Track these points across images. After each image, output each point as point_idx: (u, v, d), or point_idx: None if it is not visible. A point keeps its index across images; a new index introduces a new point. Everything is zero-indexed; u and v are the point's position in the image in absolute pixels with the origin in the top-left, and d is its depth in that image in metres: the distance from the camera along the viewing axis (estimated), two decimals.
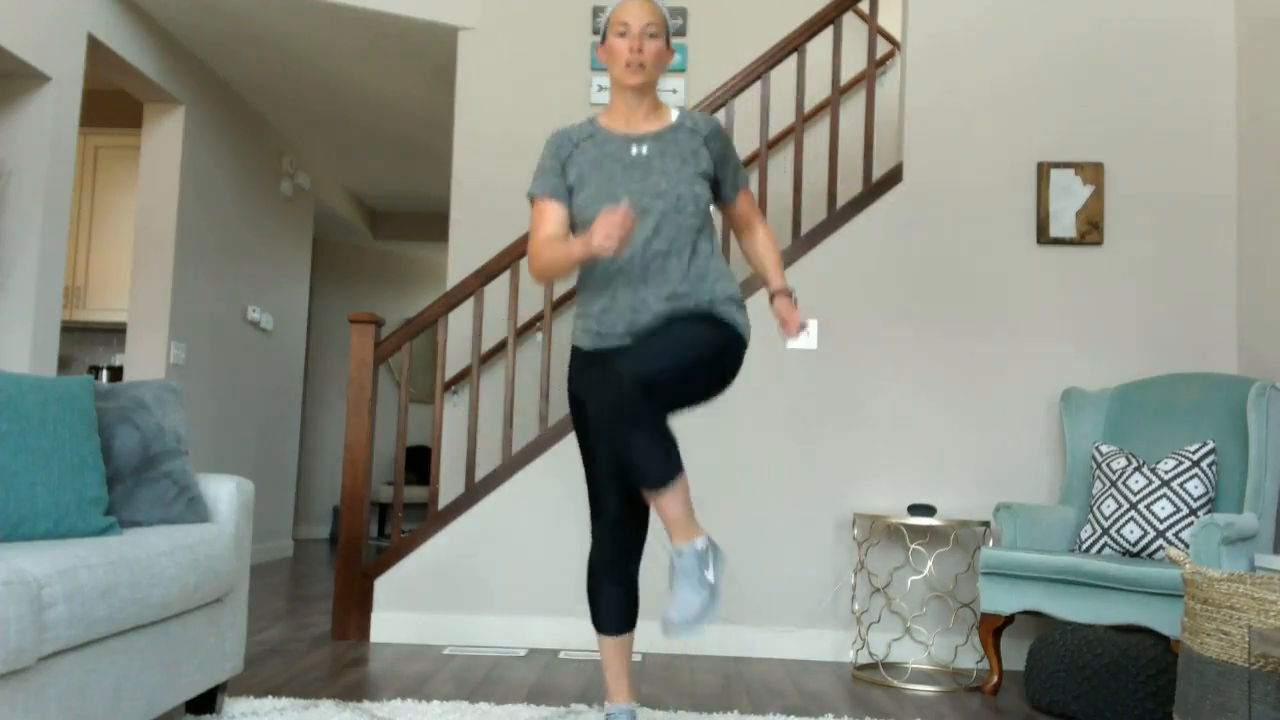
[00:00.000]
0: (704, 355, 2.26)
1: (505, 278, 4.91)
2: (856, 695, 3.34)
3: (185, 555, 2.34)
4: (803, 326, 2.41)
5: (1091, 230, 4.06)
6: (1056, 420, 4.01)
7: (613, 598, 2.45)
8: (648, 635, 3.95)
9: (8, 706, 1.71)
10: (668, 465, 2.14)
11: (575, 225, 2.43)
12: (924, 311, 4.08)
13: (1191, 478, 3.37)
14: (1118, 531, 3.41)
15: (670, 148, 2.41)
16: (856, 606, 3.95)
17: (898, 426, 4.04)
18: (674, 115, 2.48)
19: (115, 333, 6.38)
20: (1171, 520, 3.33)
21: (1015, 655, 3.87)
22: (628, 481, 2.37)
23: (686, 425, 4.01)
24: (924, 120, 4.15)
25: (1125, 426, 3.76)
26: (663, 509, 2.15)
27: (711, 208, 2.49)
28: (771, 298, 2.47)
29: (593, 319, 2.40)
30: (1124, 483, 3.47)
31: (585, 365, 2.43)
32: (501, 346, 5.14)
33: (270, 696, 2.95)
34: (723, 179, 2.49)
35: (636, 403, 2.11)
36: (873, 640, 3.95)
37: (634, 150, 2.40)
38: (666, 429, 2.17)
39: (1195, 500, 3.34)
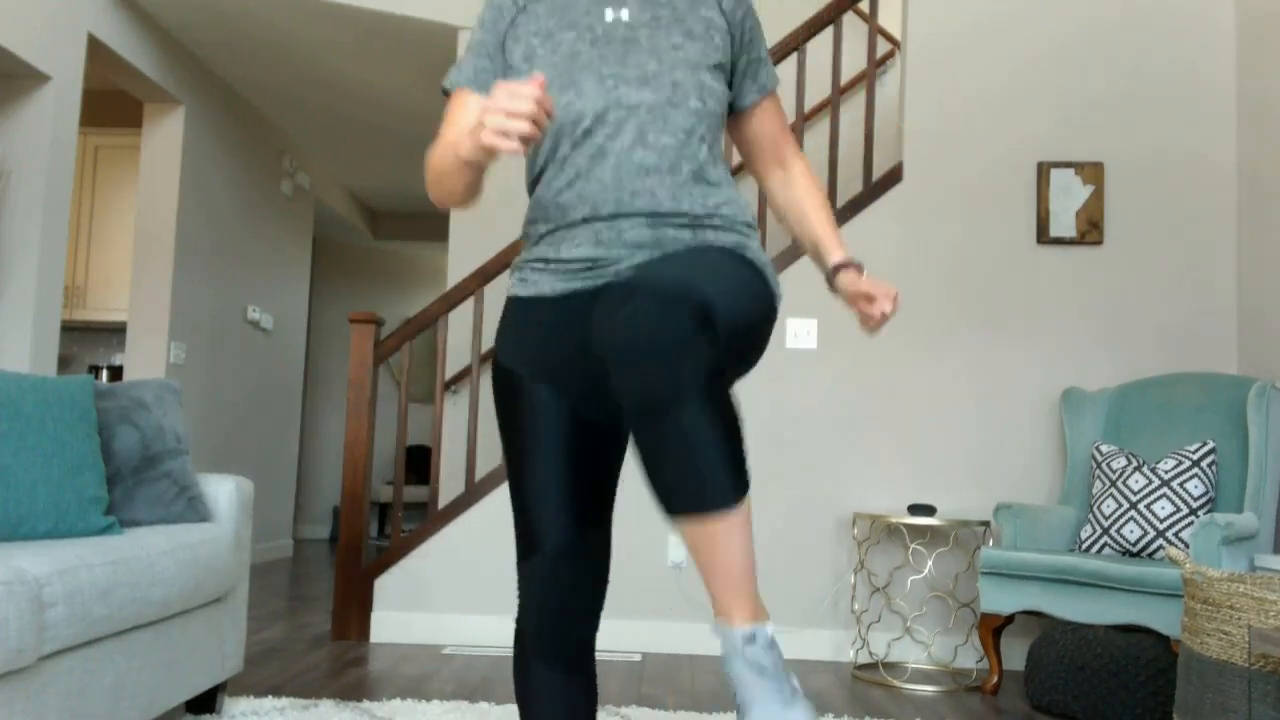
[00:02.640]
0: (755, 303, 1.41)
1: (505, 278, 4.91)
2: (856, 695, 3.34)
3: (185, 555, 2.34)
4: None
5: (1091, 230, 4.06)
6: (1056, 420, 4.01)
7: (553, 692, 1.50)
8: (648, 635, 3.95)
9: (8, 706, 1.71)
10: (739, 466, 1.26)
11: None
12: (924, 311, 4.08)
13: (1191, 477, 3.37)
14: (1118, 531, 3.41)
15: (665, 12, 1.56)
16: (856, 606, 3.95)
17: (898, 426, 4.03)
18: None
19: (115, 332, 6.38)
20: (1171, 520, 3.33)
21: (1015, 655, 3.87)
22: (662, 498, 1.28)
23: None
24: (924, 120, 4.15)
25: (1125, 426, 3.76)
26: (718, 552, 1.26)
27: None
28: (835, 271, 1.59)
29: (538, 251, 1.55)
30: (1124, 482, 3.47)
31: (527, 318, 1.55)
32: None
33: (270, 696, 2.95)
34: (741, 71, 1.62)
35: (699, 345, 1.24)
36: (873, 640, 3.95)
37: (609, 14, 1.55)
38: (731, 401, 1.30)
39: (1195, 500, 3.34)
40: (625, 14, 1.54)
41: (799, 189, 1.66)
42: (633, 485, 3.99)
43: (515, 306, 1.58)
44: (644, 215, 1.48)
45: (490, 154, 1.33)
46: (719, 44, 1.57)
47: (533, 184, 1.60)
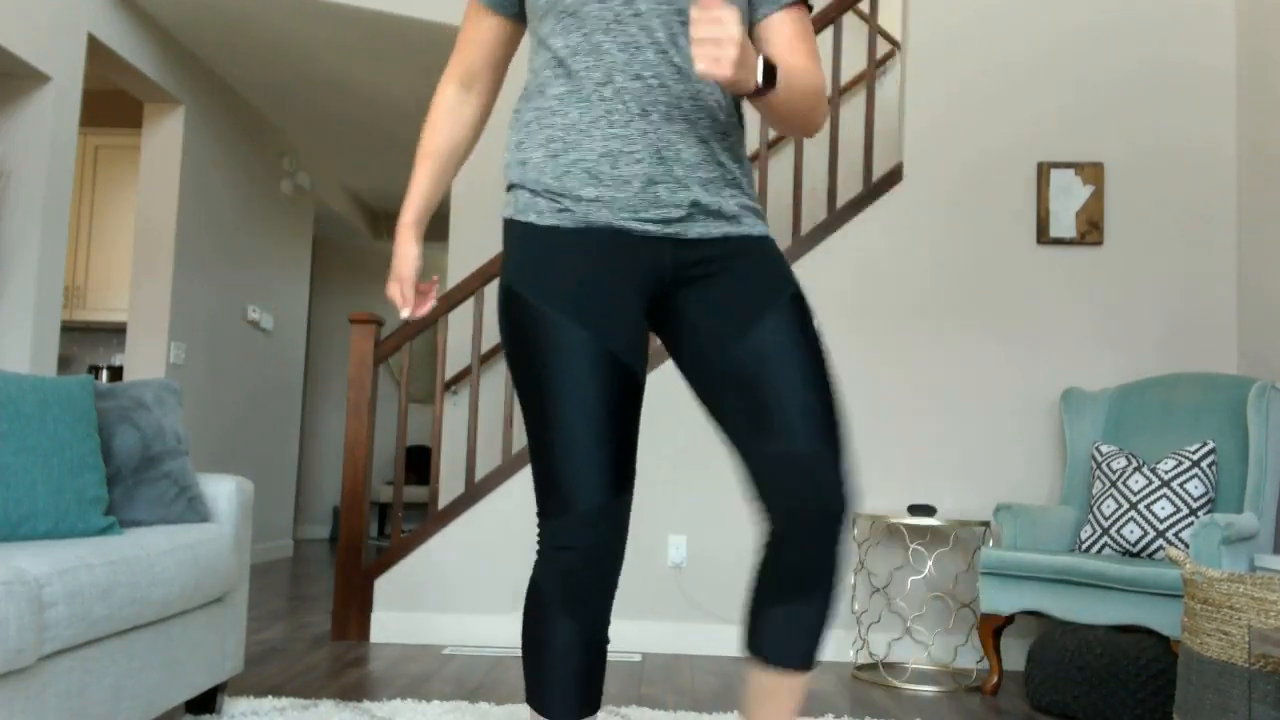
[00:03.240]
0: (820, 338, 1.49)
1: None
2: (856, 695, 3.34)
3: (185, 555, 2.34)
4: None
5: (1091, 230, 4.06)
6: (1056, 420, 4.01)
7: (574, 652, 1.43)
8: (647, 635, 3.95)
9: (8, 706, 1.71)
10: (829, 622, 1.47)
11: (537, 8, 1.50)
12: (924, 311, 4.08)
13: (1191, 478, 3.37)
14: (1118, 531, 3.41)
15: None
16: (856, 606, 3.95)
17: (898, 426, 4.03)
18: None
19: (115, 333, 6.39)
20: (1171, 520, 3.33)
21: (1015, 655, 3.87)
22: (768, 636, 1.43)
23: (685, 423, 4.01)
24: (924, 120, 4.15)
25: (1125, 426, 3.76)
26: (789, 699, 1.44)
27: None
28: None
29: (579, 164, 1.45)
30: (1124, 483, 3.47)
31: (563, 252, 1.45)
32: (501, 346, 5.14)
33: (270, 696, 2.95)
34: None
35: (834, 477, 1.39)
36: (873, 640, 3.95)
37: None
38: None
39: (1195, 500, 3.34)
40: None
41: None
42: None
43: (542, 234, 1.47)
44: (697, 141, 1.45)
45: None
46: None
47: (536, 76, 1.51)
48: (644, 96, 1.43)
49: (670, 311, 1.52)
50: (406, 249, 1.63)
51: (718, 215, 1.49)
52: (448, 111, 1.64)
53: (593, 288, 1.43)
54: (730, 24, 1.23)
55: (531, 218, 1.47)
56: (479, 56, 1.62)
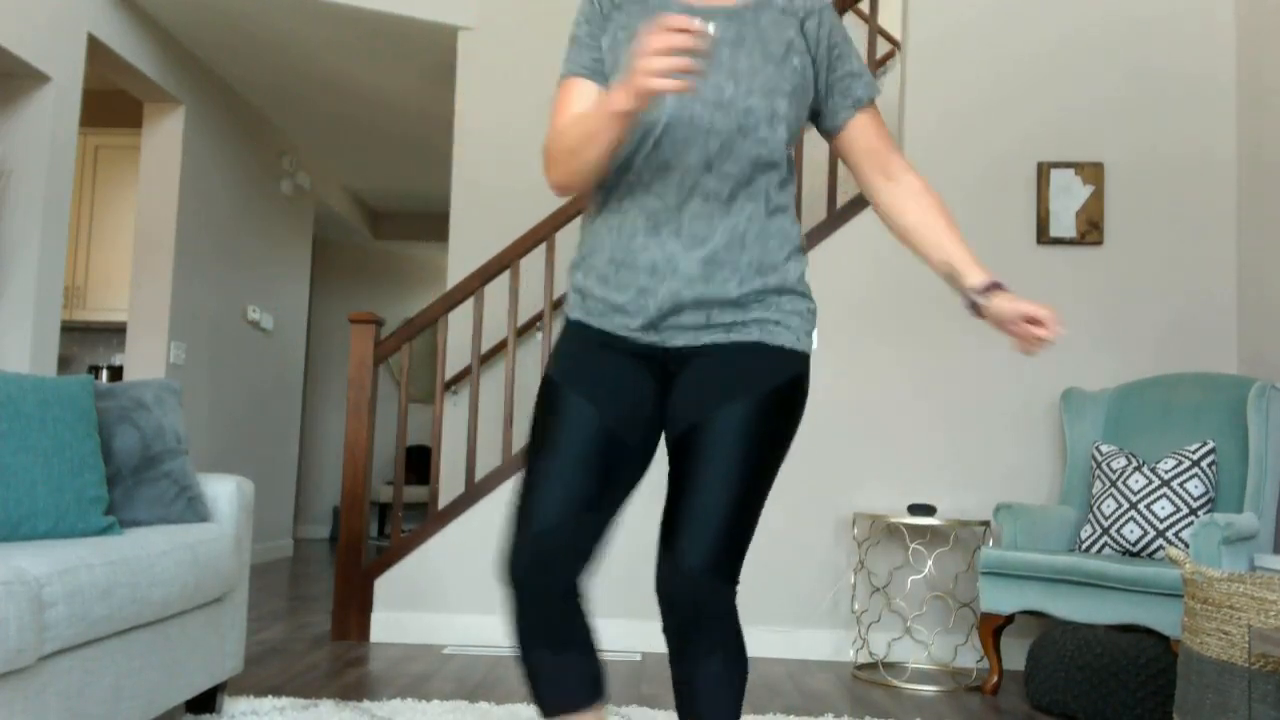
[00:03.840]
0: (776, 448, 1.58)
1: (505, 278, 4.91)
2: (856, 695, 3.34)
3: (185, 555, 2.34)
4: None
5: (1091, 230, 4.06)
6: (1056, 420, 4.01)
7: (545, 663, 1.55)
8: (648, 635, 3.95)
9: (8, 706, 1.71)
10: (740, 700, 1.59)
11: None
12: (924, 311, 4.08)
13: (1191, 477, 3.37)
14: (1118, 531, 3.41)
15: (750, 32, 1.57)
16: (856, 606, 3.95)
17: (898, 427, 4.03)
18: None
19: (115, 333, 6.38)
20: (1171, 520, 3.33)
21: (1015, 655, 3.87)
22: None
23: None
24: (924, 120, 4.15)
25: (1125, 426, 3.76)
26: None
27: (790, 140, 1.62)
28: (985, 292, 1.57)
29: (594, 275, 1.61)
30: (1124, 482, 3.47)
31: (584, 347, 1.62)
32: (501, 346, 5.14)
33: (270, 696, 2.95)
34: (830, 88, 1.63)
35: (711, 595, 1.51)
36: (873, 640, 3.95)
37: (695, 24, 1.48)
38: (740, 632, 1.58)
39: (1195, 500, 3.34)
40: (711, 29, 1.49)
41: (920, 208, 1.64)
42: None
43: (569, 327, 1.65)
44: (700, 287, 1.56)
45: (644, 102, 1.36)
46: (796, 63, 1.58)
47: (596, 191, 1.63)
48: (659, 215, 1.56)
49: (672, 387, 1.63)
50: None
51: (701, 329, 1.59)
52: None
53: (604, 370, 1.59)
54: (1044, 312, 1.49)
55: (575, 314, 1.65)
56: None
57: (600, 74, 1.61)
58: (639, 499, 3.99)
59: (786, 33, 1.59)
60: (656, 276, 1.55)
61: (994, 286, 1.56)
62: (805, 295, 1.62)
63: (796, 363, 1.59)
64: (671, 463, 1.59)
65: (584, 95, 1.60)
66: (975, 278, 1.58)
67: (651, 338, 1.58)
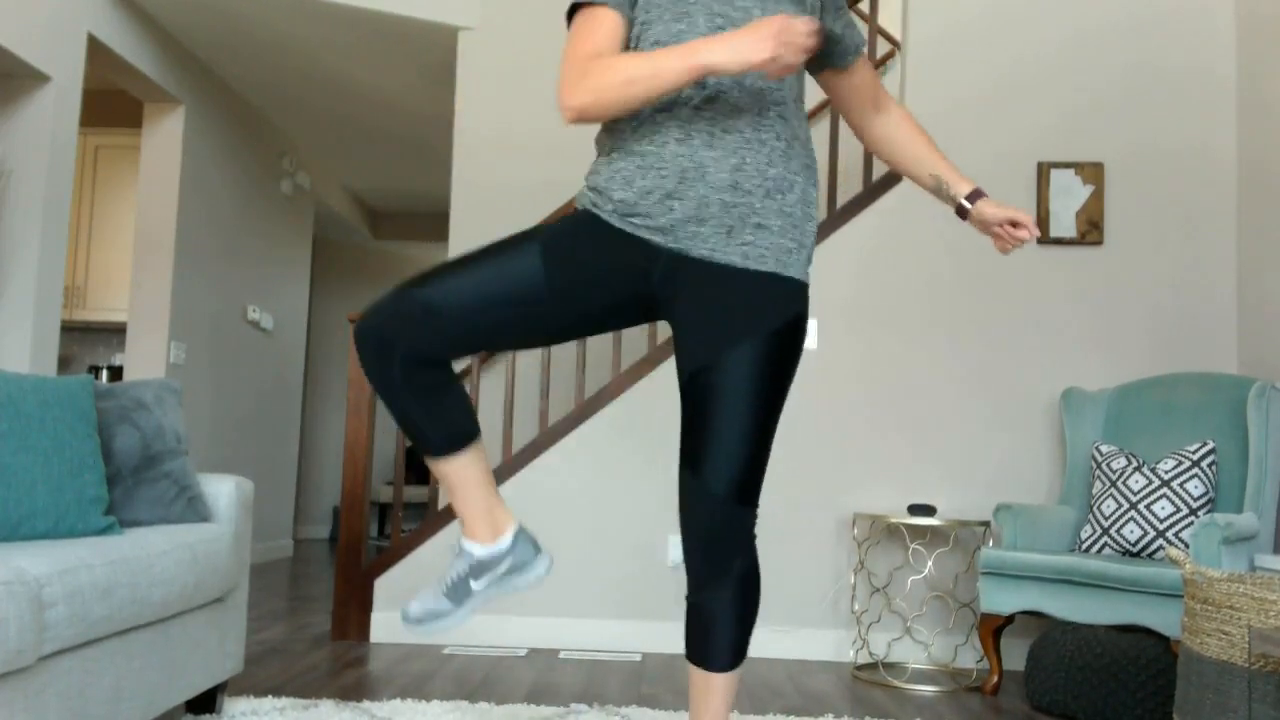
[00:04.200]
0: (783, 383, 1.71)
1: None
2: (856, 695, 3.34)
3: (185, 555, 2.35)
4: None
5: (1091, 230, 4.06)
6: (1056, 420, 4.01)
7: (421, 401, 1.65)
8: (648, 635, 3.95)
9: (8, 706, 1.71)
10: (748, 631, 1.79)
11: (628, 49, 1.69)
12: (924, 311, 4.08)
13: (1191, 478, 3.37)
14: (1118, 531, 3.41)
15: None
16: (856, 606, 3.95)
17: (898, 426, 4.03)
18: None
19: (115, 333, 6.39)
20: (1171, 520, 3.33)
21: (1015, 655, 3.87)
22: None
23: None
24: (924, 120, 4.15)
25: (1125, 426, 3.76)
26: (719, 696, 1.74)
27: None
28: (972, 198, 1.81)
29: (619, 178, 1.67)
30: (1124, 483, 3.47)
31: (584, 231, 1.70)
32: None
33: (270, 696, 2.95)
34: (837, 35, 1.78)
35: (734, 521, 1.69)
36: (873, 640, 3.95)
37: None
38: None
39: (1195, 500, 3.34)
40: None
41: (906, 131, 1.86)
42: (634, 488, 3.99)
43: (573, 215, 1.73)
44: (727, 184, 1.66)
45: (743, 71, 1.51)
46: (811, 5, 1.73)
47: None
48: (696, 129, 1.66)
49: (671, 312, 1.74)
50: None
51: (733, 239, 1.68)
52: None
53: (585, 252, 1.68)
54: (1021, 215, 1.75)
55: (582, 204, 1.74)
56: (610, 46, 1.67)
57: (625, 7, 1.66)
58: (636, 501, 3.99)
59: None
60: (685, 182, 1.62)
61: (978, 194, 1.81)
62: (813, 218, 1.75)
63: (800, 298, 1.70)
64: (686, 398, 1.70)
65: (611, 27, 1.65)
66: (961, 187, 1.82)
67: (670, 243, 1.66)
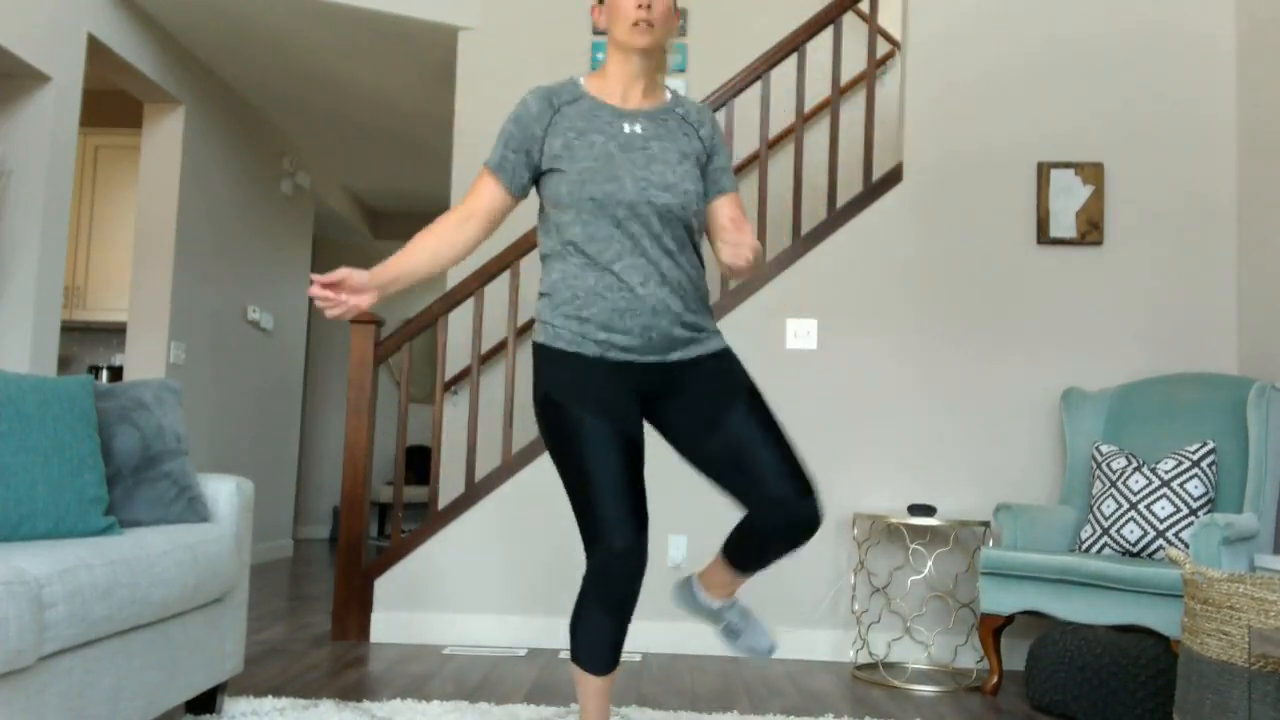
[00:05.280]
0: (768, 404, 2.20)
1: (505, 278, 4.91)
2: (856, 695, 3.34)
3: (185, 555, 2.34)
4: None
5: (1091, 230, 4.06)
6: (1056, 420, 4.01)
7: (609, 637, 2.04)
8: (648, 635, 3.95)
9: (8, 706, 1.71)
10: None
11: (562, 201, 2.04)
12: (924, 311, 4.08)
13: (1191, 478, 3.37)
14: (1118, 531, 3.41)
15: (665, 133, 2.10)
16: (856, 606, 3.95)
17: (898, 427, 4.03)
18: (667, 95, 2.18)
19: (115, 333, 6.38)
20: (1171, 520, 3.33)
21: (1015, 655, 3.87)
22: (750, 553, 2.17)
23: None
24: (924, 120, 4.15)
25: (1125, 426, 3.76)
26: (745, 581, 2.25)
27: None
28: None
29: (593, 323, 2.05)
30: (1124, 483, 3.47)
31: (583, 370, 2.06)
32: (501, 346, 5.14)
33: (270, 696, 2.95)
34: (711, 177, 2.18)
35: (817, 512, 2.12)
36: (873, 640, 3.95)
37: (626, 128, 2.07)
38: None
39: (1195, 500, 3.34)
40: (638, 129, 2.08)
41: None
42: None
43: (568, 357, 2.08)
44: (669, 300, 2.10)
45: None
46: (698, 158, 2.13)
47: (558, 248, 2.09)
48: (644, 270, 2.05)
49: (658, 414, 2.15)
50: (359, 275, 2.16)
51: (689, 344, 2.11)
52: (445, 231, 2.13)
53: (604, 392, 2.05)
54: (749, 238, 2.01)
55: (560, 345, 2.07)
56: (482, 211, 2.13)
57: (507, 173, 2.09)
58: None
59: (690, 139, 2.13)
60: (658, 316, 2.05)
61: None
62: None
63: (729, 352, 2.19)
64: (714, 461, 2.10)
65: (490, 193, 2.12)
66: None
67: (656, 359, 2.09)
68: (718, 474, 2.10)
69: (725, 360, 2.16)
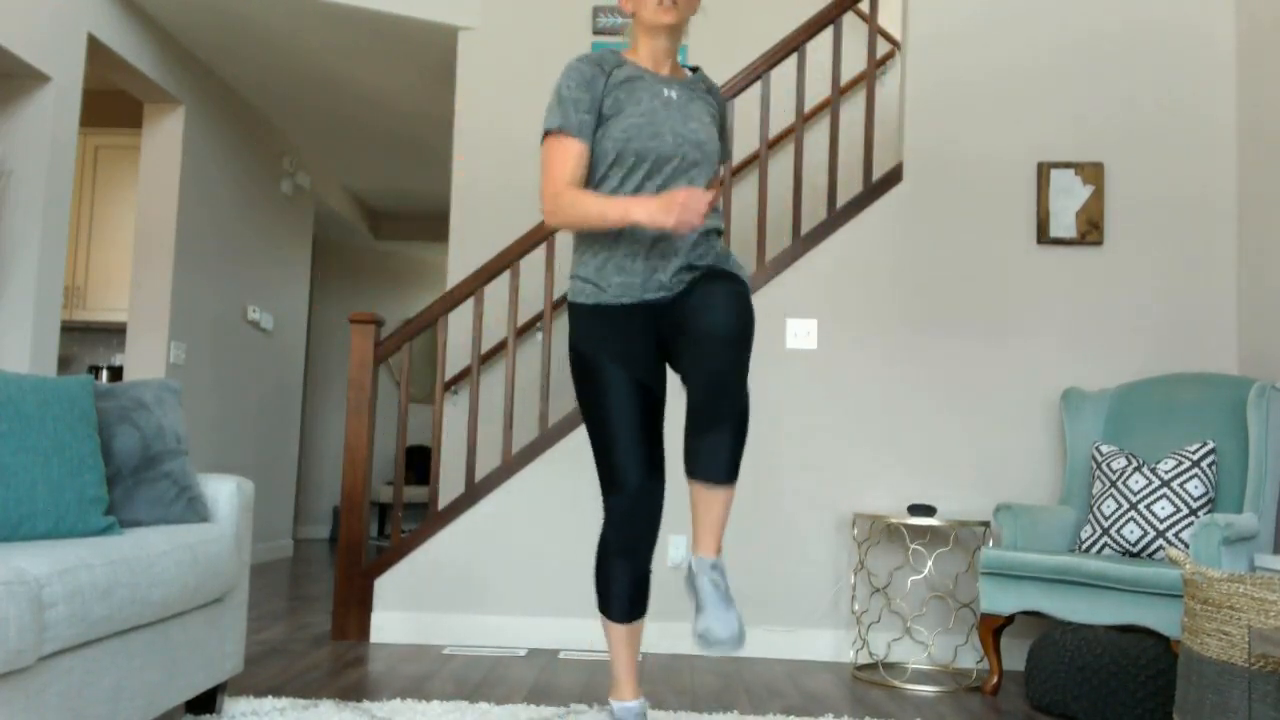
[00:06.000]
0: (750, 324, 2.25)
1: (505, 278, 4.91)
2: (856, 695, 3.34)
3: (185, 555, 2.35)
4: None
5: (1091, 230, 4.06)
6: (1056, 420, 4.01)
7: (627, 581, 2.28)
8: (648, 635, 3.95)
9: (8, 706, 1.71)
10: (740, 456, 2.21)
11: (606, 155, 2.28)
12: (924, 311, 4.08)
13: (1191, 478, 3.37)
14: (1118, 531, 3.41)
15: (695, 99, 2.38)
16: (856, 606, 3.95)
17: (898, 426, 4.03)
18: (688, 73, 2.45)
19: (115, 333, 6.39)
20: (1171, 520, 3.33)
21: (1015, 655, 3.87)
22: (699, 460, 2.18)
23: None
24: (924, 120, 4.15)
25: (1125, 426, 3.76)
26: (720, 505, 2.16)
27: None
28: None
29: (610, 265, 2.29)
30: (1124, 483, 3.47)
31: (604, 321, 2.30)
32: (501, 346, 5.14)
33: (270, 696, 2.95)
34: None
35: (738, 363, 2.13)
36: (873, 640, 3.95)
37: (665, 91, 2.32)
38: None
39: (1195, 500, 3.34)
40: (674, 94, 2.34)
41: None
42: None
43: (589, 310, 2.32)
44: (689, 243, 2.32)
45: (658, 226, 2.14)
46: (710, 120, 2.39)
47: (596, 187, 2.32)
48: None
49: (664, 335, 2.32)
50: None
51: (691, 269, 2.31)
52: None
53: (621, 339, 2.28)
54: (697, 202, 2.08)
55: (583, 300, 2.32)
56: (584, 174, 2.31)
57: (588, 132, 2.27)
58: None
59: (711, 105, 2.42)
60: (665, 258, 2.28)
61: None
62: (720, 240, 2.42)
63: (740, 276, 2.31)
64: (687, 330, 2.18)
65: (576, 153, 2.27)
66: None
67: (663, 293, 2.29)
68: (677, 350, 2.23)
69: (716, 270, 2.30)
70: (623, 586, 2.28)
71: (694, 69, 2.48)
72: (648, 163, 2.25)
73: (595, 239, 2.31)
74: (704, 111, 2.36)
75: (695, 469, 2.16)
